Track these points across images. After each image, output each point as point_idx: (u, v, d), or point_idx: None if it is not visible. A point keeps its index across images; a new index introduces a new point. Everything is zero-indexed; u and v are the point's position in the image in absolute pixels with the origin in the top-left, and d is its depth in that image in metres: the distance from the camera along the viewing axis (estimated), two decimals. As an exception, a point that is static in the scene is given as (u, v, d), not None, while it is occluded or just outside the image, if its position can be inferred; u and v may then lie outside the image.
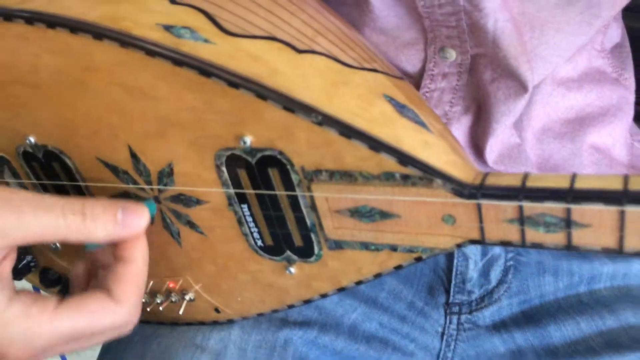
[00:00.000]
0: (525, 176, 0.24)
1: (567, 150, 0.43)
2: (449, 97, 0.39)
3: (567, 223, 0.23)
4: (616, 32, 0.47)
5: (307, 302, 0.33)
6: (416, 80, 0.39)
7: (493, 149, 0.40)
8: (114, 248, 0.29)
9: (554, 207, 0.23)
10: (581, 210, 0.23)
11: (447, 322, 0.44)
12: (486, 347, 0.43)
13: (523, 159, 0.41)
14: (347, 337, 0.42)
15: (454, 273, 0.43)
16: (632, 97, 0.48)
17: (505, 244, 0.25)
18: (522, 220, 0.24)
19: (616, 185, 0.22)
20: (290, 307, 0.35)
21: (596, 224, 0.23)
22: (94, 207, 0.28)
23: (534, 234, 0.24)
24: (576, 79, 0.44)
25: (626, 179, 0.22)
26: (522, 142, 0.41)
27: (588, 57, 0.44)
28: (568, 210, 0.23)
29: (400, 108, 0.27)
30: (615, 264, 0.43)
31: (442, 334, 0.44)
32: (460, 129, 0.40)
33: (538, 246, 0.25)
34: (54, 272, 0.40)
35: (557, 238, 0.24)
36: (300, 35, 0.29)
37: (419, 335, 0.44)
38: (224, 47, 0.26)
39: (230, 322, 0.38)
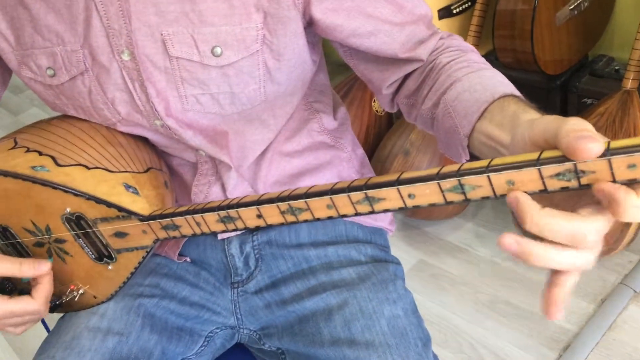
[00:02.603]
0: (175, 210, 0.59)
1: None
2: (210, 172, 0.74)
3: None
4: (331, 123, 0.81)
5: (125, 283, 0.68)
6: (196, 165, 0.75)
7: (234, 193, 0.74)
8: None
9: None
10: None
11: (232, 293, 0.78)
12: (252, 303, 0.77)
13: (256, 199, 0.75)
14: (177, 303, 0.76)
15: (231, 266, 0.78)
16: (344, 154, 0.82)
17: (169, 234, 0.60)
18: (173, 226, 0.59)
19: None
20: (122, 286, 0.69)
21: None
22: (26, 262, 0.64)
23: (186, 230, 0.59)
24: (300, 150, 0.78)
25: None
26: (255, 190, 0.76)
27: (309, 137, 0.79)
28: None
29: (128, 188, 0.63)
30: (317, 249, 0.76)
31: (231, 299, 0.78)
32: (218, 186, 0.75)
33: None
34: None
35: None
36: (92, 159, 0.65)
37: (220, 301, 0.78)
38: (55, 172, 0.63)
39: (103, 302, 0.73)
